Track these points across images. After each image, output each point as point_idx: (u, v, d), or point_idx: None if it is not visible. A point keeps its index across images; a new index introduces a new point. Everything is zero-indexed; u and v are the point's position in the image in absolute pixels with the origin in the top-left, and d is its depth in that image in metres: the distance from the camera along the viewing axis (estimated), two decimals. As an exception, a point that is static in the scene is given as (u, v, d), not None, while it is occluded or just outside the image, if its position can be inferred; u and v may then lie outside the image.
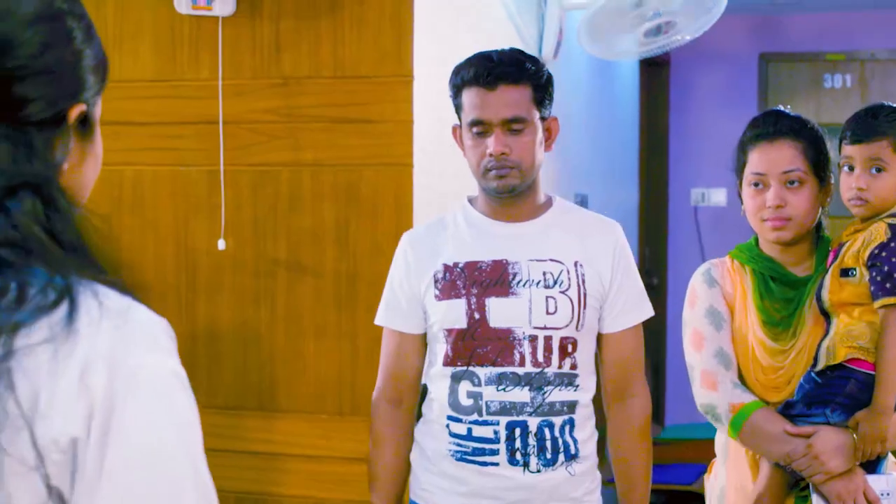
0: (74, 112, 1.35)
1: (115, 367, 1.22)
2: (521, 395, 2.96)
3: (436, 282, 3.04)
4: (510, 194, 3.00)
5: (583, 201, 6.10)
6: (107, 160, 3.81)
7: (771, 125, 3.05)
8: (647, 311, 3.13)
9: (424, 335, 3.12)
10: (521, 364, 2.97)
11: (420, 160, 3.79)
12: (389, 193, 3.79)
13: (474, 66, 2.98)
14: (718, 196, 8.51)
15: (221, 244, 3.90)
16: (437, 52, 3.94)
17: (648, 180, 8.30)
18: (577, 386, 3.01)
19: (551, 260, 3.01)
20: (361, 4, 3.80)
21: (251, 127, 3.91)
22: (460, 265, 3.02)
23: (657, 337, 7.87)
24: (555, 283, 2.99)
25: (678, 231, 8.63)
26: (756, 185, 3.04)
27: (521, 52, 3.04)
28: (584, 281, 3.01)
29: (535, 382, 2.97)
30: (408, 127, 3.76)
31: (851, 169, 2.96)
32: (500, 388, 2.97)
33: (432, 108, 3.87)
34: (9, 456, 1.16)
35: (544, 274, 2.99)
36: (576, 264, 3.01)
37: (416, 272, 3.08)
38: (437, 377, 3.07)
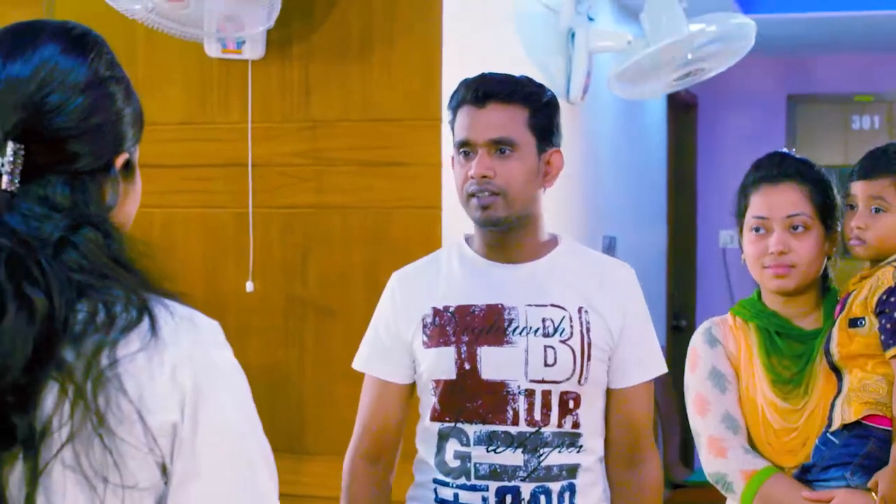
0: (119, 161, 1.62)
1: (197, 364, 1.53)
2: (514, 457, 2.66)
3: (424, 327, 2.74)
4: (497, 228, 2.70)
5: (611, 243, 6.09)
6: (138, 202, 3.67)
7: (775, 167, 2.88)
8: (660, 367, 2.84)
9: (410, 386, 2.83)
10: (514, 422, 2.66)
11: (448, 203, 3.80)
12: (418, 236, 3.80)
13: (467, 84, 2.74)
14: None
15: (250, 286, 3.91)
16: (465, 95, 3.95)
17: (677, 222, 8.28)
18: (581, 447, 2.70)
19: (552, 305, 2.71)
20: (390, 48, 3.82)
21: (280, 170, 3.93)
22: (451, 309, 2.72)
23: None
24: (555, 331, 2.68)
25: (707, 273, 8.61)
26: (757, 229, 2.85)
27: (526, 77, 2.80)
28: (588, 329, 2.70)
29: (530, 444, 2.65)
30: (436, 170, 3.77)
31: (853, 208, 2.84)
32: (491, 448, 2.66)
33: (461, 151, 3.88)
34: (128, 444, 1.46)
35: (544, 321, 2.69)
36: (580, 311, 2.71)
37: (403, 315, 2.78)
38: (424, 434, 2.79)
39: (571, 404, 2.69)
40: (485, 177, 2.64)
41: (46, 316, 1.45)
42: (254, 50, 3.85)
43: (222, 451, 1.54)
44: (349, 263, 3.88)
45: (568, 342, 2.68)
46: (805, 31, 7.72)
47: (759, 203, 2.86)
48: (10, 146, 1.52)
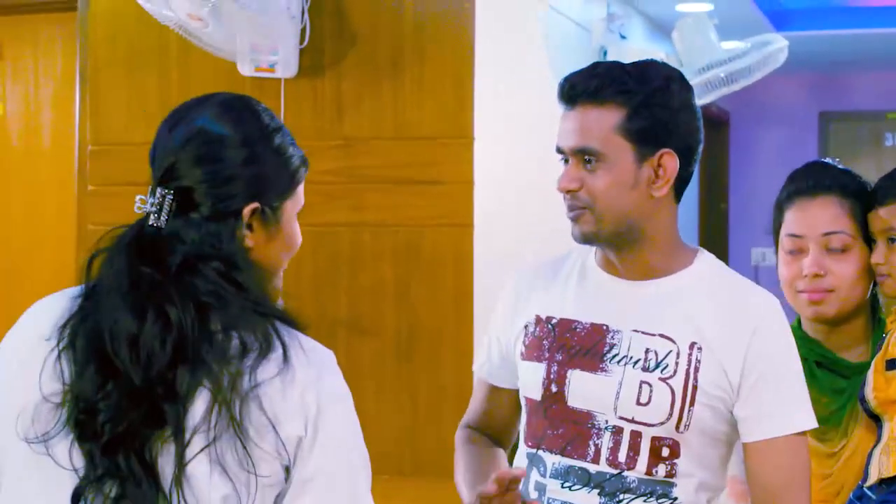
0: (247, 210, 1.91)
1: (320, 388, 1.85)
2: (588, 498, 2.31)
3: (525, 336, 2.44)
4: (592, 244, 2.38)
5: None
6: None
7: (811, 178, 2.54)
8: (804, 420, 2.30)
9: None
10: (595, 460, 2.31)
11: (480, 221, 3.80)
12: (450, 254, 3.79)
13: (563, 79, 2.37)
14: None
15: (281, 303, 3.91)
16: (497, 114, 3.95)
17: (708, 239, 8.26)
18: (675, 500, 2.29)
19: (661, 336, 2.31)
20: (423, 66, 3.83)
21: (312, 187, 3.90)
22: (554, 321, 2.40)
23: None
24: (657, 366, 2.29)
25: (738, 290, 8.57)
26: (791, 250, 2.53)
27: (643, 64, 2.37)
28: (696, 369, 2.28)
29: (609, 487, 2.30)
30: (468, 188, 3.77)
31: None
32: (566, 484, 2.33)
33: (493, 169, 3.88)
34: (261, 449, 1.79)
35: (647, 352, 2.31)
36: (691, 346, 2.29)
37: (511, 317, 2.49)
38: (520, 455, 2.47)
39: (665, 452, 2.29)
40: (569, 190, 2.31)
41: (178, 325, 1.80)
42: (286, 68, 3.86)
43: (333, 462, 1.86)
44: (381, 281, 3.88)
45: (668, 381, 2.29)
46: (838, 48, 7.71)
47: (793, 219, 2.54)
48: (158, 191, 1.88)
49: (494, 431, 2.59)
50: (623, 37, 5.32)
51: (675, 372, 2.28)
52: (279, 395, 1.81)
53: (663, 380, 2.28)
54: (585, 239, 2.33)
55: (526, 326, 2.44)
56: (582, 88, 2.30)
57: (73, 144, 4.32)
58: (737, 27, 5.50)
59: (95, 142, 4.14)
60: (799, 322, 2.60)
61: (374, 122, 3.89)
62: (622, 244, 2.34)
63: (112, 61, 4.16)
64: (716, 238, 8.49)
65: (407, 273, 3.85)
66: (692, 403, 2.27)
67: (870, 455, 2.39)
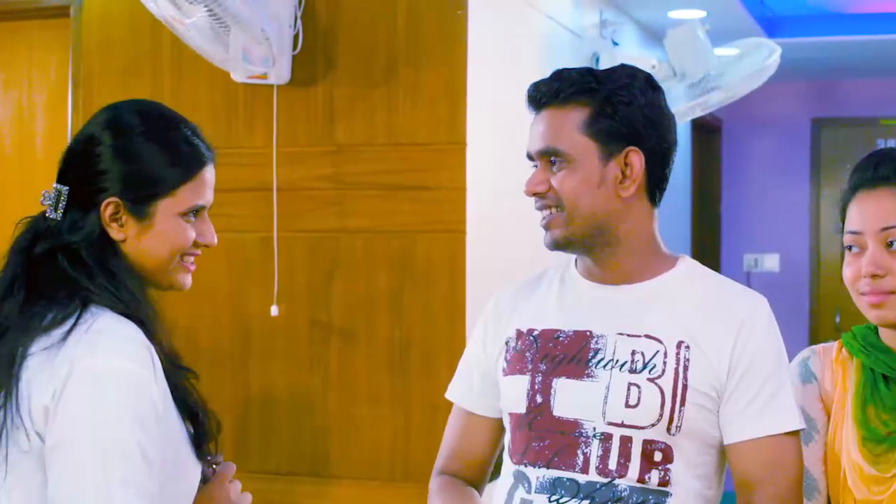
0: (104, 204, 2.07)
1: (76, 364, 1.93)
2: None
3: (506, 351, 2.38)
4: (566, 251, 2.34)
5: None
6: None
7: (871, 169, 2.29)
8: (789, 420, 2.23)
9: (499, 420, 2.44)
10: (584, 470, 2.22)
11: (473, 227, 3.80)
12: (443, 260, 3.80)
13: (530, 88, 2.39)
14: (771, 262, 8.47)
15: (274, 310, 3.92)
16: (490, 120, 3.96)
17: (701, 245, 8.27)
18: None
19: (647, 336, 2.25)
20: (416, 73, 3.83)
21: (305, 194, 3.94)
22: (535, 333, 2.34)
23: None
24: (644, 366, 2.22)
25: (731, 297, 8.57)
26: (850, 247, 2.26)
27: (609, 68, 2.37)
28: (685, 368, 2.21)
29: (600, 497, 2.20)
30: (461, 194, 3.78)
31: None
32: (553, 498, 2.23)
33: (486, 176, 3.89)
34: (19, 416, 1.93)
35: (633, 354, 2.24)
36: (679, 345, 2.23)
37: (492, 337, 2.43)
38: (503, 476, 2.37)
39: (658, 457, 2.21)
40: (535, 193, 2.30)
41: (3, 297, 2.06)
42: (279, 75, 3.86)
43: (73, 434, 1.92)
44: (374, 287, 3.88)
45: (657, 381, 2.22)
46: (830, 54, 7.72)
47: (852, 214, 2.27)
48: (54, 187, 2.11)
49: (469, 470, 2.49)
50: (615, 43, 5.33)
51: (663, 371, 2.22)
52: (39, 367, 1.96)
53: (652, 380, 2.22)
54: (557, 245, 2.30)
55: (507, 342, 2.39)
56: (545, 90, 2.31)
57: (66, 151, 4.31)
58: (729, 34, 5.51)
59: (88, 148, 4.14)
60: (876, 330, 2.31)
61: (367, 129, 3.89)
62: (595, 247, 2.30)
63: (105, 68, 4.17)
64: (708, 244, 8.50)
65: (399, 280, 3.85)
66: (682, 403, 2.20)
67: None
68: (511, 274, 4.14)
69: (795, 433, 2.25)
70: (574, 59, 4.99)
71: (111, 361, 1.95)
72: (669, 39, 5.12)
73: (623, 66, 2.36)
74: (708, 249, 8.47)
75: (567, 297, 2.37)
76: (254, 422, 4.00)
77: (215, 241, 2.20)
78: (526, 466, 2.28)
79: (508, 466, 2.34)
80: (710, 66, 4.89)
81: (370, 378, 3.89)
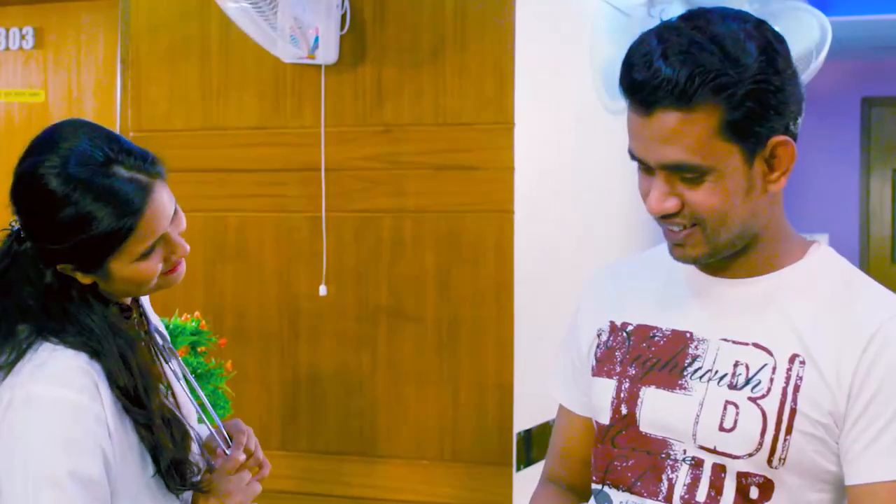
0: (60, 268, 2.07)
1: (18, 391, 1.97)
2: None
3: (597, 346, 2.07)
4: (701, 264, 1.97)
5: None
6: (211, 206, 3.92)
7: None
8: None
9: None
10: (668, 499, 1.90)
11: (521, 207, 3.79)
12: (490, 240, 3.79)
13: (627, 69, 1.84)
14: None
15: (323, 290, 3.93)
16: (538, 99, 3.95)
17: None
18: None
19: (755, 345, 1.88)
20: (463, 52, 3.83)
21: (353, 174, 3.94)
22: (630, 328, 2.02)
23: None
24: (746, 382, 1.86)
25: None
26: None
27: (719, 42, 1.78)
28: (797, 388, 1.83)
29: None
30: (509, 174, 3.77)
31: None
32: None
33: (533, 155, 3.88)
34: None
35: (735, 365, 1.88)
36: (793, 360, 1.85)
37: (584, 325, 2.12)
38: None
39: (755, 493, 1.85)
40: (665, 217, 1.88)
41: None
42: (327, 55, 3.86)
43: (8, 459, 1.96)
44: (421, 267, 3.88)
45: (760, 402, 1.85)
46: (880, 32, 7.65)
47: None
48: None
49: (575, 474, 2.18)
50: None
51: (768, 390, 1.84)
52: None
53: (753, 399, 1.84)
54: (694, 262, 1.94)
55: (599, 335, 2.07)
56: (663, 93, 1.78)
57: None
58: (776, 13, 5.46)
59: (137, 129, 4.16)
60: None
61: (415, 109, 3.88)
62: (731, 250, 1.93)
63: (154, 49, 4.18)
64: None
65: (448, 259, 3.84)
66: (789, 431, 1.82)
67: None
68: (559, 253, 4.14)
69: None
70: (623, 37, 4.96)
71: (46, 389, 1.98)
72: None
73: (748, 30, 1.82)
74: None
75: (672, 288, 2.01)
76: (302, 401, 4.01)
77: (188, 249, 2.16)
78: (608, 487, 1.99)
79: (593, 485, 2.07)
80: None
81: (418, 358, 3.89)
